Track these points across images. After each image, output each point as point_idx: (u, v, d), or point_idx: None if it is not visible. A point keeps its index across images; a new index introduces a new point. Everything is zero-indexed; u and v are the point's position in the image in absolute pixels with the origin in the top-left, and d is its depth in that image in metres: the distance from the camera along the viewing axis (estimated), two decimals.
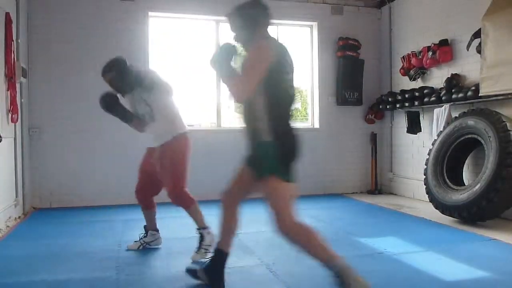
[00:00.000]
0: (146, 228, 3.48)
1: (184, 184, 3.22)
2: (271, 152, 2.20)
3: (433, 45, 5.18)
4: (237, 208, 2.60)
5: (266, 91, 2.19)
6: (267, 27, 2.37)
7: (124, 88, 3.13)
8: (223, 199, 2.62)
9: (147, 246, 3.42)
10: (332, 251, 2.18)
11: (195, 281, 2.68)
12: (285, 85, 2.29)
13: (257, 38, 2.29)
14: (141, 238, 3.44)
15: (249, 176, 2.42)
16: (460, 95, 4.64)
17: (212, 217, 4.65)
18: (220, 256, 2.56)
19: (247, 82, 2.15)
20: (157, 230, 3.49)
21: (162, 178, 3.19)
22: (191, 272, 2.65)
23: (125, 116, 3.21)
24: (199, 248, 3.14)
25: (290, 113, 2.33)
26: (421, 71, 5.47)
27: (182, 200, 3.20)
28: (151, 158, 3.25)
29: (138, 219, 4.46)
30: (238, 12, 2.33)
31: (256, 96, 2.21)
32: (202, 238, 3.17)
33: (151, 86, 3.09)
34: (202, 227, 3.21)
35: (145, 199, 3.38)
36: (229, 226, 2.61)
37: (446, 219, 4.30)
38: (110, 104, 3.12)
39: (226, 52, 2.24)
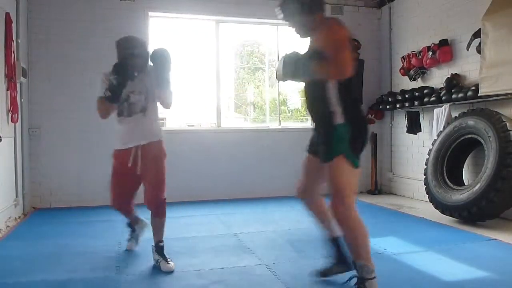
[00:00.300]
0: (130, 225, 3.40)
1: (165, 191, 3.02)
2: (344, 135, 2.24)
3: (433, 45, 5.18)
4: (319, 198, 2.61)
5: None
6: (324, 11, 2.41)
7: (140, 69, 2.91)
8: (301, 197, 2.64)
9: (140, 236, 3.41)
10: (370, 254, 2.26)
11: (195, 281, 2.68)
12: (354, 66, 2.23)
13: (319, 21, 2.34)
14: (132, 235, 3.40)
15: (317, 164, 2.42)
16: (460, 95, 4.64)
17: (212, 216, 4.68)
18: (338, 242, 2.62)
19: (344, 58, 2.13)
20: (140, 220, 3.39)
21: (147, 181, 2.95)
22: (321, 274, 2.64)
23: (119, 91, 2.80)
24: (165, 258, 2.94)
25: (358, 95, 2.33)
26: (421, 71, 5.47)
27: (163, 208, 3.00)
28: (126, 161, 2.92)
29: None
30: None
31: (327, 83, 2.26)
32: (162, 249, 3.00)
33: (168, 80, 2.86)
34: (162, 240, 3.04)
35: (128, 207, 3.20)
36: (323, 217, 2.62)
37: (446, 219, 4.30)
38: (127, 71, 2.80)
39: (295, 57, 2.25)
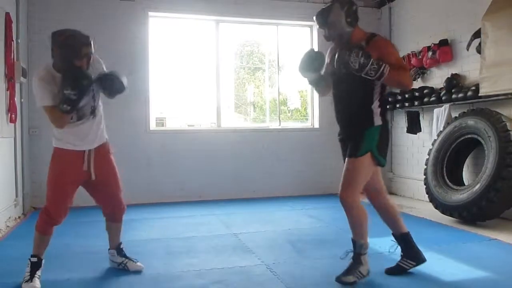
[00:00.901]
0: (37, 257, 2.64)
1: None
2: (376, 136, 2.46)
3: (433, 45, 5.18)
4: (381, 199, 2.74)
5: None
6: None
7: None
8: (369, 198, 2.76)
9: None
10: (367, 234, 2.59)
11: (195, 281, 2.68)
12: None
13: (361, 34, 2.51)
14: (35, 273, 2.61)
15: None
16: (460, 95, 4.64)
17: (212, 216, 4.68)
18: (406, 238, 2.77)
19: (408, 70, 2.41)
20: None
21: (106, 186, 2.76)
22: (391, 271, 2.76)
23: (78, 104, 2.49)
24: (131, 259, 2.91)
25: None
26: (421, 71, 5.47)
27: (124, 212, 2.90)
28: (78, 164, 2.63)
29: (137, 219, 4.47)
30: (343, 9, 2.45)
31: (374, 83, 2.43)
32: (123, 250, 2.93)
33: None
34: (121, 243, 2.95)
35: (63, 219, 2.74)
36: (390, 215, 2.77)
37: (446, 219, 4.30)
38: (87, 81, 2.46)
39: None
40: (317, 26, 2.60)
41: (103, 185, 2.76)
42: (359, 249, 2.56)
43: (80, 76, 2.44)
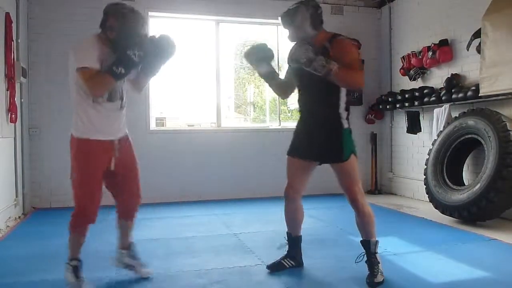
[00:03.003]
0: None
1: None
2: (350, 137, 2.56)
3: (433, 45, 5.18)
4: (301, 199, 2.81)
5: None
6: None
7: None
8: (291, 196, 2.78)
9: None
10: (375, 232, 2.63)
11: (195, 281, 2.68)
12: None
13: (324, 36, 2.52)
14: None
15: (309, 167, 2.72)
16: (460, 95, 4.64)
17: (212, 216, 4.68)
18: (298, 240, 2.89)
19: (361, 71, 2.44)
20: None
21: (129, 180, 2.70)
22: (273, 267, 2.83)
23: (130, 71, 2.45)
24: (140, 263, 2.79)
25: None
26: (421, 71, 5.47)
27: (137, 209, 2.86)
28: (108, 156, 2.53)
29: (137, 219, 4.45)
30: (308, 12, 2.48)
31: (339, 87, 2.48)
32: (133, 252, 2.84)
33: None
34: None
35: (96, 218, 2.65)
36: (297, 216, 2.84)
37: (446, 219, 4.30)
38: (151, 51, 2.50)
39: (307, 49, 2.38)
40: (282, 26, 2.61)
41: (123, 178, 2.61)
42: (373, 248, 2.60)
43: (148, 40, 2.50)
